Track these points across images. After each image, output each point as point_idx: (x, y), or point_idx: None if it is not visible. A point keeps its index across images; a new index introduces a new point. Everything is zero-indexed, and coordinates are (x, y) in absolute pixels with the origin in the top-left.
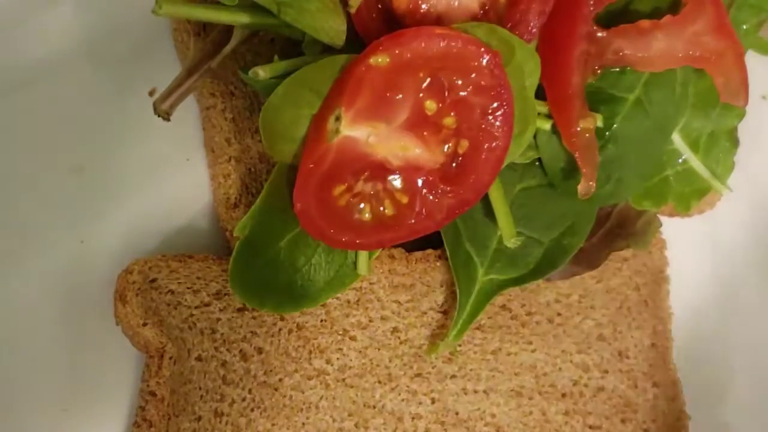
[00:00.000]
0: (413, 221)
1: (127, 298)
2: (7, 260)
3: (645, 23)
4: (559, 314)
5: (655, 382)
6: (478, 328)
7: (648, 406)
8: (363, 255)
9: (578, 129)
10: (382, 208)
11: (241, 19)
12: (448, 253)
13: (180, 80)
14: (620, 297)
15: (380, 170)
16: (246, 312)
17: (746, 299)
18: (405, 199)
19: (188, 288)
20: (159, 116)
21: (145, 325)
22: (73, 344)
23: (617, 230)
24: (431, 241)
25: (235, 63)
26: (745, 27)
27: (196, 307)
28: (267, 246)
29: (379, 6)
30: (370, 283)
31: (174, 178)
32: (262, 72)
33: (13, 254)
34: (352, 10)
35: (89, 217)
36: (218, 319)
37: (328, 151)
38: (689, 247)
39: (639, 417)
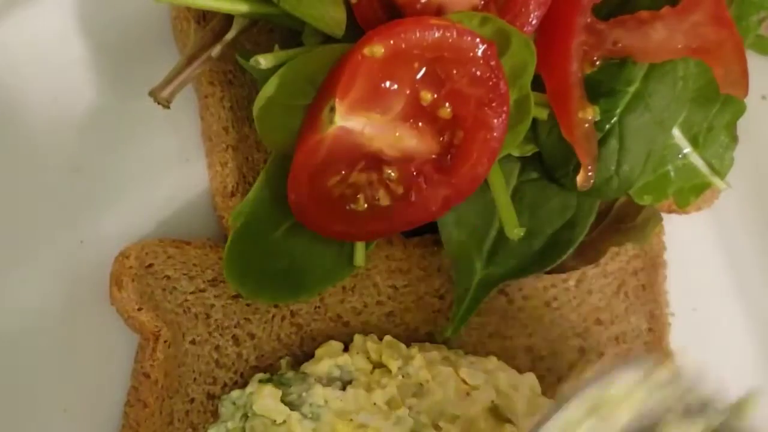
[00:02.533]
0: (408, 211)
1: (123, 283)
2: (6, 260)
3: (644, 14)
4: (555, 299)
5: None
6: (476, 313)
7: None
8: (360, 245)
9: (577, 120)
10: (377, 199)
11: (241, 8)
12: (445, 246)
13: (180, 68)
14: (617, 282)
15: (375, 161)
16: (240, 299)
17: (744, 281)
18: (400, 190)
19: (184, 274)
20: (158, 104)
21: (140, 309)
22: (73, 343)
23: (617, 225)
24: (430, 226)
25: (234, 52)
26: (745, 24)
27: (191, 293)
28: (263, 235)
29: None
30: (367, 269)
31: (172, 172)
32: (264, 61)
33: (13, 254)
34: (353, 0)
35: (89, 217)
36: (212, 305)
37: (323, 142)
38: (686, 231)
39: None
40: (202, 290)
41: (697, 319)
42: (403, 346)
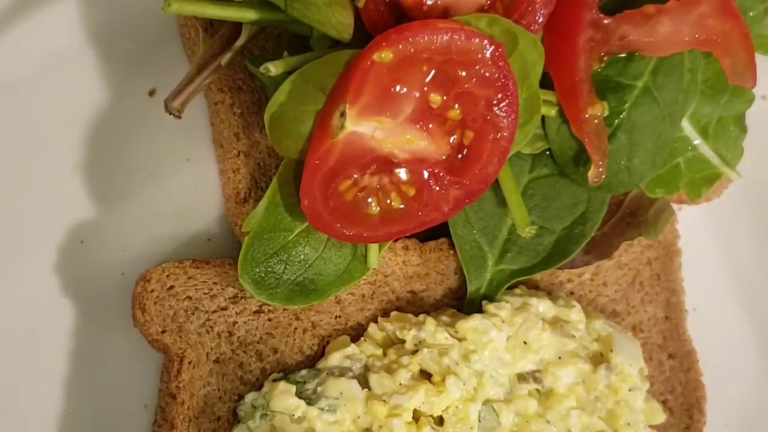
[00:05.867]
0: (420, 213)
1: (146, 307)
2: (6, 260)
3: (650, 8)
4: (572, 293)
5: (671, 353)
6: None
7: (664, 378)
8: (373, 248)
9: (587, 116)
10: (389, 201)
11: (249, 15)
12: (455, 245)
13: (189, 77)
14: (632, 272)
15: (386, 164)
16: (262, 314)
17: (744, 281)
18: (412, 192)
19: (205, 294)
20: (170, 114)
21: (163, 332)
22: (75, 343)
23: (629, 219)
24: (444, 228)
25: (243, 59)
26: (751, 14)
27: (213, 312)
28: (276, 240)
29: None
30: (385, 276)
31: (177, 176)
32: (273, 68)
33: (13, 254)
34: (360, 4)
35: (90, 217)
36: (235, 323)
37: (334, 147)
38: (685, 231)
39: (656, 389)
40: (224, 308)
41: (697, 319)
42: (411, 315)
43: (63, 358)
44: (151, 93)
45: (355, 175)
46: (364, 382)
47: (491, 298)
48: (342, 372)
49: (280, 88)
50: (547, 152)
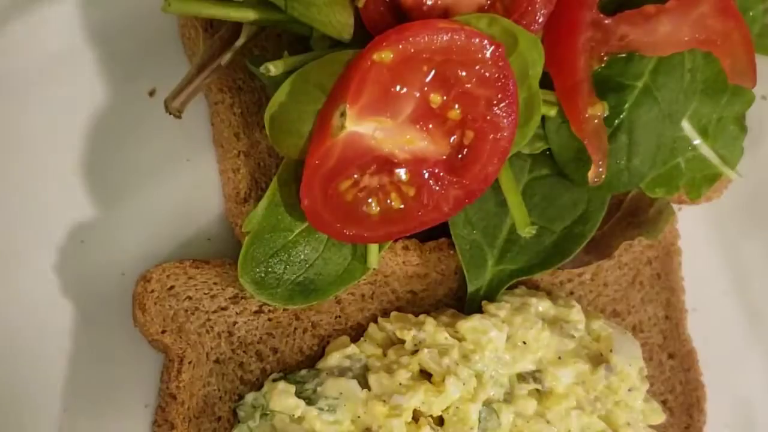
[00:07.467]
0: (420, 213)
1: (146, 307)
2: (6, 260)
3: (650, 8)
4: (572, 293)
5: (671, 353)
6: None
7: (664, 378)
8: (373, 248)
9: (587, 116)
10: (389, 202)
11: (249, 15)
12: (455, 245)
13: (190, 77)
14: (632, 272)
15: (386, 164)
16: (262, 314)
17: (744, 281)
18: (412, 192)
19: (205, 294)
20: (170, 114)
21: (164, 332)
22: (75, 343)
23: (629, 218)
24: (444, 228)
25: (243, 58)
26: (751, 14)
27: (213, 312)
28: (276, 240)
29: None
30: (385, 276)
31: (177, 176)
32: (274, 68)
33: (13, 254)
34: (360, 4)
35: (90, 217)
36: (235, 323)
37: (334, 147)
38: (685, 231)
39: (656, 389)
40: (224, 308)
41: (697, 319)
42: (411, 315)
43: (63, 358)
44: (151, 93)
45: (355, 175)
46: (363, 382)
47: (491, 298)
48: (342, 372)
49: (280, 88)
50: (547, 152)
